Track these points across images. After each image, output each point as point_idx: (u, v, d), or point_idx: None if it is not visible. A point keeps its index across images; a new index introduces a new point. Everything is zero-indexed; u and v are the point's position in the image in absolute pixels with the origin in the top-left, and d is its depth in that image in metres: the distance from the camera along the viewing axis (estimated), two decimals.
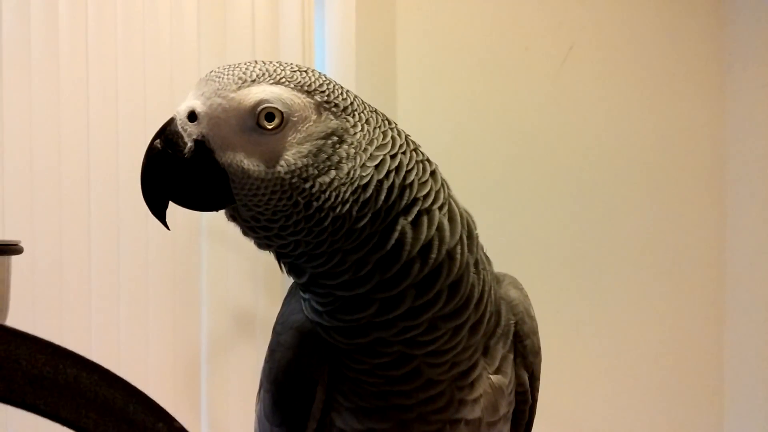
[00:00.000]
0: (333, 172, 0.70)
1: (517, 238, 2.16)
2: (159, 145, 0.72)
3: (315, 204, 0.69)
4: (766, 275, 2.25)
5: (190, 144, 0.72)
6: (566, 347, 2.20)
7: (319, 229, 0.70)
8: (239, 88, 0.71)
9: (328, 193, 0.69)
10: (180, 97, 1.79)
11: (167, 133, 0.72)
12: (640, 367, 2.28)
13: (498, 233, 2.18)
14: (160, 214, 0.80)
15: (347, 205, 0.69)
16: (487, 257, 0.84)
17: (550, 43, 2.26)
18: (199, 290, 1.84)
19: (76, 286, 1.72)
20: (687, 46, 2.36)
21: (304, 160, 0.70)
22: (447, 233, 0.74)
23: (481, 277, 0.78)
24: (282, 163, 0.70)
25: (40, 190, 1.70)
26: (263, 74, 0.71)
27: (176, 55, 1.79)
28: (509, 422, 0.85)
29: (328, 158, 0.70)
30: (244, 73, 0.71)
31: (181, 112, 0.72)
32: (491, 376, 0.79)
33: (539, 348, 0.86)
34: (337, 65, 1.91)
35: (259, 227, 0.74)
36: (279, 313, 0.84)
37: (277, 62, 0.73)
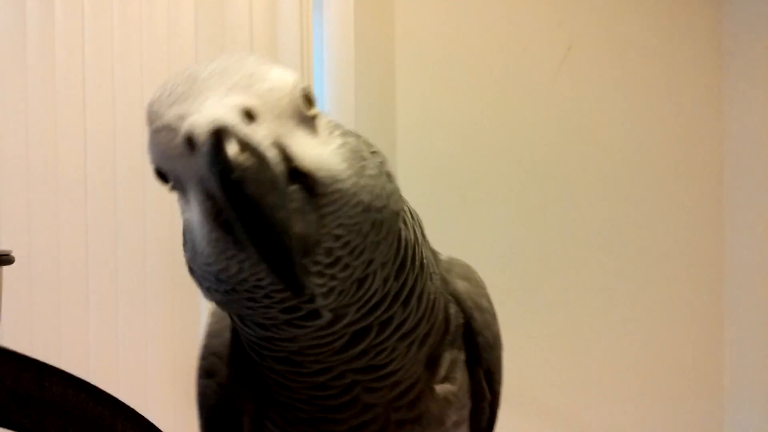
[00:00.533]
0: None
1: (516, 238, 2.15)
2: (249, 163, 0.47)
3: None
4: (765, 272, 2.25)
5: (272, 156, 0.49)
6: (567, 346, 2.20)
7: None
8: (270, 68, 0.54)
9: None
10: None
11: (246, 145, 0.47)
12: (640, 366, 2.28)
13: (497, 233, 2.17)
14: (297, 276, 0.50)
15: None
16: (433, 252, 0.71)
17: (549, 44, 2.26)
18: (199, 294, 1.84)
19: (73, 288, 1.71)
20: (685, 45, 2.36)
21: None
22: (413, 236, 0.62)
23: (433, 281, 0.67)
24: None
25: (37, 192, 1.70)
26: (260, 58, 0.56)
27: (174, 56, 1.79)
28: (465, 423, 0.77)
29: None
30: (248, 56, 0.55)
31: (223, 114, 0.48)
32: (437, 387, 0.70)
33: (495, 341, 0.77)
34: (336, 66, 1.90)
35: (352, 258, 0.56)
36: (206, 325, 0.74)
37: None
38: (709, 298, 2.37)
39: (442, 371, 0.70)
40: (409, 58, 2.09)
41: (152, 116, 0.53)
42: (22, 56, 1.71)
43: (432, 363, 0.69)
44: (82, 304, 1.74)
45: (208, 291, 0.58)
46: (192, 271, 0.58)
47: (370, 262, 0.56)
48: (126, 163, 1.75)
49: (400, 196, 0.62)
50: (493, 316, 0.77)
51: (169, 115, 0.51)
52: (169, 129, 0.51)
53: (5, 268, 0.73)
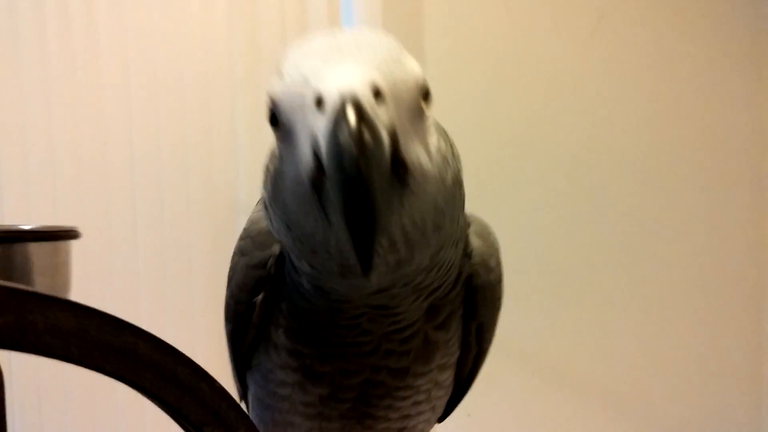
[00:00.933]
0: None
1: (541, 225, 2.17)
2: (368, 140, 0.48)
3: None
4: None
5: (387, 139, 0.50)
6: (604, 335, 2.21)
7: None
8: (408, 57, 0.58)
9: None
10: (213, 82, 1.89)
11: (371, 123, 0.48)
12: (677, 358, 2.28)
13: (531, 211, 2.19)
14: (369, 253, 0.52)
15: None
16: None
17: (580, 14, 2.24)
18: None
19: (125, 266, 1.85)
20: (721, 18, 2.30)
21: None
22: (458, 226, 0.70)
23: (458, 248, 0.72)
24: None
25: (89, 177, 1.82)
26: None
27: (207, 41, 1.87)
28: (450, 369, 0.82)
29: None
30: (392, 38, 0.57)
31: (358, 87, 0.49)
32: (429, 331, 0.76)
33: (493, 301, 0.80)
34: None
35: (406, 250, 0.60)
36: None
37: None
38: (749, 292, 2.35)
39: (440, 319, 0.76)
40: (437, 46, 2.11)
41: (289, 62, 0.55)
42: (69, 42, 1.81)
43: (433, 310, 0.75)
44: (132, 279, 1.86)
45: (276, 231, 0.66)
46: (266, 207, 0.67)
47: (418, 254, 0.63)
48: (169, 147, 1.85)
49: (463, 201, 0.70)
50: (498, 277, 0.80)
51: (307, 67, 0.53)
52: (302, 80, 0.53)
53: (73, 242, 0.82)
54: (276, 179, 0.61)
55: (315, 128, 0.50)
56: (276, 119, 0.57)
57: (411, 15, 2.10)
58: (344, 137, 0.46)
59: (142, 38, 1.83)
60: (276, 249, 0.74)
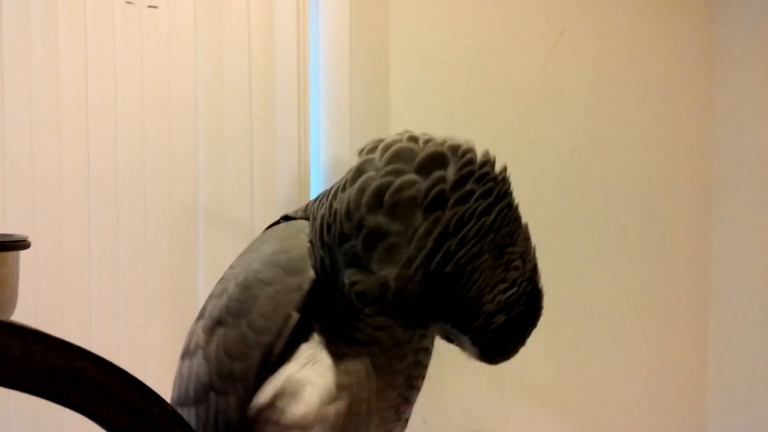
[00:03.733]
0: None
1: None
2: None
3: None
4: (751, 272, 2.30)
5: None
6: (555, 342, 2.25)
7: None
8: None
9: None
10: (176, 86, 1.85)
11: None
12: (626, 366, 2.33)
13: None
14: None
15: None
16: None
17: (541, 28, 2.28)
18: (197, 274, 1.91)
19: (76, 277, 1.78)
20: (678, 30, 2.37)
21: None
22: None
23: None
24: None
25: (41, 183, 1.76)
26: None
27: (173, 58, 1.83)
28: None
29: None
30: None
31: None
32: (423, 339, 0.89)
33: None
34: (331, 54, 1.94)
35: None
36: (248, 259, 0.84)
37: None
38: (695, 294, 2.43)
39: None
40: (403, 37, 2.12)
41: None
42: (27, 50, 1.75)
43: None
44: (84, 289, 1.81)
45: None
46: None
47: None
48: (127, 154, 1.81)
49: None
50: None
51: None
52: None
53: (22, 253, 0.79)
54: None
55: None
56: None
57: (378, 25, 2.10)
58: None
59: (101, 45, 1.78)
60: (311, 273, 0.78)
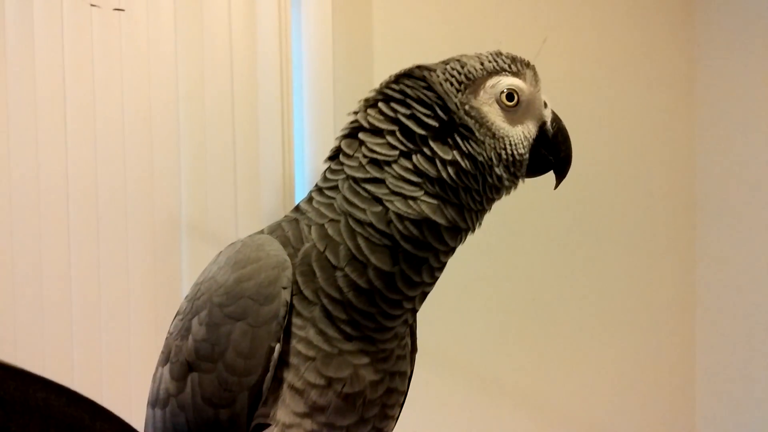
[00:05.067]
0: None
1: (489, 235, 2.18)
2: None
3: None
4: (735, 273, 2.31)
5: None
6: (539, 340, 2.25)
7: None
8: None
9: None
10: (157, 94, 1.81)
11: None
12: (614, 366, 2.33)
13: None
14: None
15: None
16: None
17: (525, 37, 2.29)
18: (180, 287, 1.87)
19: (56, 288, 1.73)
20: (658, 38, 2.40)
21: None
22: None
23: None
24: None
25: (19, 199, 1.70)
26: None
27: (153, 61, 1.80)
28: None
29: None
30: None
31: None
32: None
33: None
34: (314, 64, 1.92)
35: None
36: (206, 286, 0.76)
37: None
38: (681, 296, 2.43)
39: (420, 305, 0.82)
40: (386, 54, 2.12)
41: (535, 89, 0.81)
42: (2, 56, 1.71)
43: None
44: (65, 301, 1.76)
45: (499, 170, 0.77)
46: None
47: None
48: (107, 161, 1.77)
49: None
50: None
51: (536, 83, 0.82)
52: (537, 90, 0.81)
53: None
54: (506, 136, 0.78)
55: (544, 115, 0.81)
56: (513, 98, 0.78)
57: (361, 35, 2.09)
58: (563, 124, 0.84)
59: (79, 54, 1.74)
60: (284, 296, 0.72)
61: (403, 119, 0.74)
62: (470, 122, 0.75)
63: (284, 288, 0.73)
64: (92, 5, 1.74)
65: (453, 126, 0.74)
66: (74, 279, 1.75)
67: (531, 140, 0.80)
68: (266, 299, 0.72)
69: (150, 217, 1.82)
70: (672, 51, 2.44)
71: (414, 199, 0.73)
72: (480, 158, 0.75)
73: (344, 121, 0.83)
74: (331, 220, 0.74)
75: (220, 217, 1.87)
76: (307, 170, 1.95)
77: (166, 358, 0.80)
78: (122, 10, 1.76)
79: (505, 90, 0.78)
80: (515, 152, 0.78)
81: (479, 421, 2.19)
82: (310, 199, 0.78)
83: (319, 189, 0.78)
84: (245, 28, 1.87)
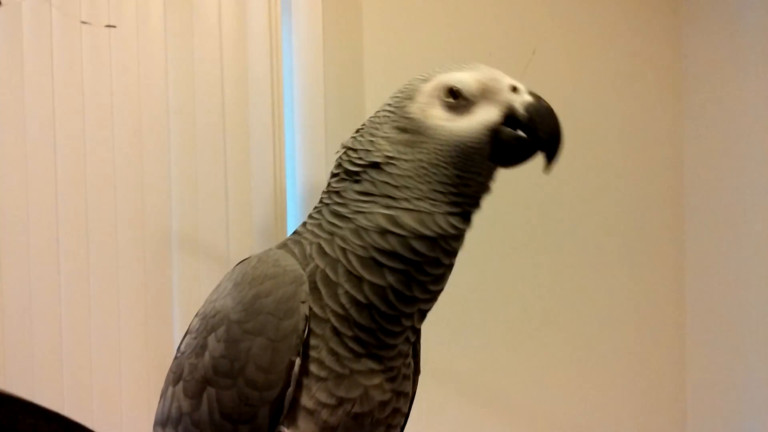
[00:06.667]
0: None
1: (481, 236, 2.18)
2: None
3: None
4: (724, 272, 2.32)
5: None
6: (528, 342, 2.25)
7: None
8: None
9: None
10: (148, 110, 1.80)
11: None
12: (604, 365, 2.34)
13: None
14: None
15: None
16: None
17: (514, 48, 2.31)
18: (171, 301, 1.85)
19: (45, 301, 1.71)
20: (645, 45, 2.41)
21: None
22: None
23: None
24: None
25: (7, 216, 1.69)
26: None
27: (143, 62, 1.79)
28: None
29: None
30: None
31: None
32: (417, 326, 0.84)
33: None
34: (305, 78, 1.93)
35: None
36: (221, 304, 0.78)
37: None
38: (671, 294, 2.45)
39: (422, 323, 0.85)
40: (377, 60, 2.12)
41: (471, 68, 0.81)
42: None
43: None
44: (54, 314, 1.75)
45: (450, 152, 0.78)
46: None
47: None
48: (96, 167, 1.76)
49: None
50: None
51: (490, 72, 0.81)
52: (492, 76, 0.80)
53: None
54: (456, 128, 0.78)
55: (510, 99, 0.79)
56: (456, 95, 0.78)
57: (351, 48, 2.10)
58: (545, 104, 0.81)
59: (70, 70, 1.73)
60: (303, 309, 0.74)
61: (344, 163, 0.81)
62: (401, 137, 0.78)
63: (302, 302, 0.74)
64: (83, 22, 1.73)
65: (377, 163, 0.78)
66: (64, 292, 1.73)
67: (489, 127, 0.78)
68: (285, 314, 0.74)
69: (140, 231, 1.81)
70: (659, 56, 2.47)
71: (371, 213, 0.76)
72: (421, 161, 0.77)
73: (335, 135, 0.88)
74: (325, 238, 0.77)
75: (211, 230, 1.86)
76: (299, 183, 1.95)
77: (178, 378, 0.80)
78: (114, 26, 1.76)
79: (442, 87, 0.79)
80: (462, 143, 0.78)
81: (469, 428, 2.19)
82: (304, 223, 0.82)
83: (310, 214, 0.82)
84: (236, 44, 1.88)
